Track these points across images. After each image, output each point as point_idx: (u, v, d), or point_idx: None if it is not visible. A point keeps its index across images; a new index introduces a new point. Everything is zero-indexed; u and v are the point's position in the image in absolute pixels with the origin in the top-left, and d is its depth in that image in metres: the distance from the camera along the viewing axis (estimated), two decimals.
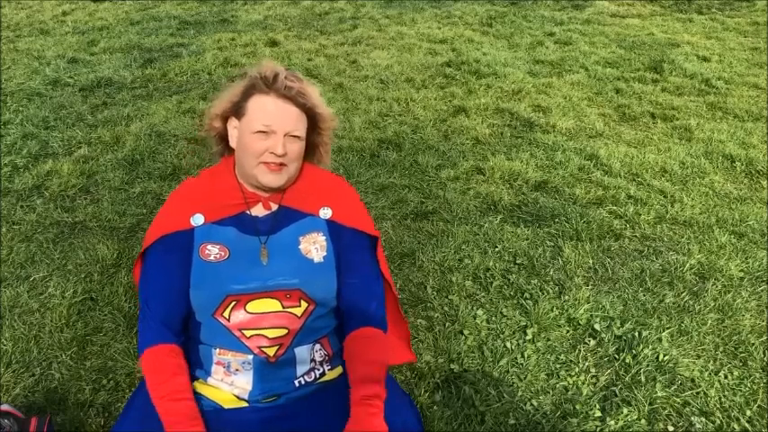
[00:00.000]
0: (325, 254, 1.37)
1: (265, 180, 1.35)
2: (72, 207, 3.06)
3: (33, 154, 3.61)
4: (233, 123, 1.39)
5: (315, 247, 1.37)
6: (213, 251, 1.34)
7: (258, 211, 1.41)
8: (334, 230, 1.41)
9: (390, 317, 1.64)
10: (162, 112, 4.22)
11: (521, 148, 3.76)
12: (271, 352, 1.32)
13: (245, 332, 1.31)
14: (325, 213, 1.41)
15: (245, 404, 1.32)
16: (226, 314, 1.31)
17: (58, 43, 6.11)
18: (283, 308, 1.32)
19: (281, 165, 1.34)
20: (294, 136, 1.34)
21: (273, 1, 8.01)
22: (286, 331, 1.32)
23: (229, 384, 1.33)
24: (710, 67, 5.34)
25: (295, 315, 1.33)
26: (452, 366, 2.05)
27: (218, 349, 1.34)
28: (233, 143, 1.40)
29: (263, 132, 1.32)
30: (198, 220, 1.37)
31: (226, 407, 1.32)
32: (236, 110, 1.37)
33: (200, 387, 1.35)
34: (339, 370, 1.41)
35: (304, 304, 1.34)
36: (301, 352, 1.35)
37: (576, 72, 5.18)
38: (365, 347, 1.36)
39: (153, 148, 3.68)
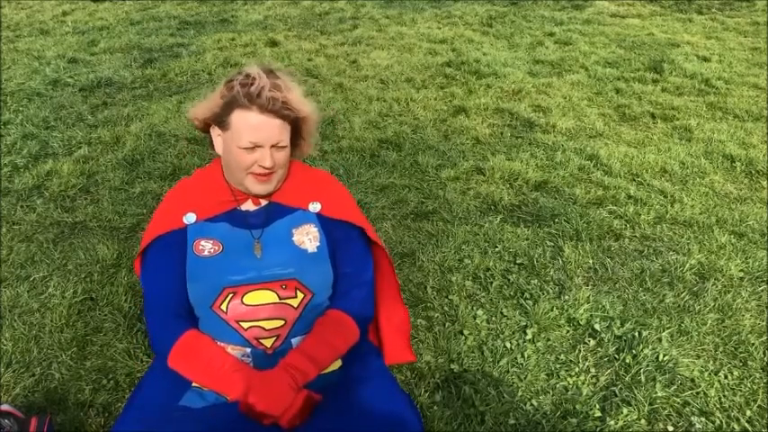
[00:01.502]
0: (318, 244, 1.41)
1: (256, 189, 1.40)
2: (72, 207, 3.06)
3: (33, 154, 3.61)
4: (216, 131, 1.43)
5: (308, 238, 1.41)
6: (207, 246, 1.37)
7: (248, 206, 1.46)
8: (325, 223, 1.44)
9: (389, 304, 1.66)
10: (162, 113, 4.22)
11: (521, 148, 3.76)
12: (268, 343, 1.34)
13: (242, 324, 1.33)
14: (315, 207, 1.46)
15: None
16: (223, 306, 1.33)
17: (58, 43, 6.11)
18: (280, 299, 1.34)
19: (270, 173, 1.38)
20: (280, 147, 1.38)
21: (273, 1, 8.01)
22: (283, 322, 1.34)
23: None
24: (710, 67, 5.33)
25: (291, 306, 1.35)
26: (452, 366, 2.05)
27: (216, 343, 1.35)
28: (218, 149, 1.45)
29: (250, 148, 1.34)
30: (190, 218, 1.41)
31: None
32: (219, 121, 1.39)
33: None
34: (338, 363, 1.41)
35: (300, 295, 1.36)
36: (298, 343, 1.36)
37: (576, 72, 5.18)
38: (327, 328, 1.37)
39: (153, 148, 3.69)
